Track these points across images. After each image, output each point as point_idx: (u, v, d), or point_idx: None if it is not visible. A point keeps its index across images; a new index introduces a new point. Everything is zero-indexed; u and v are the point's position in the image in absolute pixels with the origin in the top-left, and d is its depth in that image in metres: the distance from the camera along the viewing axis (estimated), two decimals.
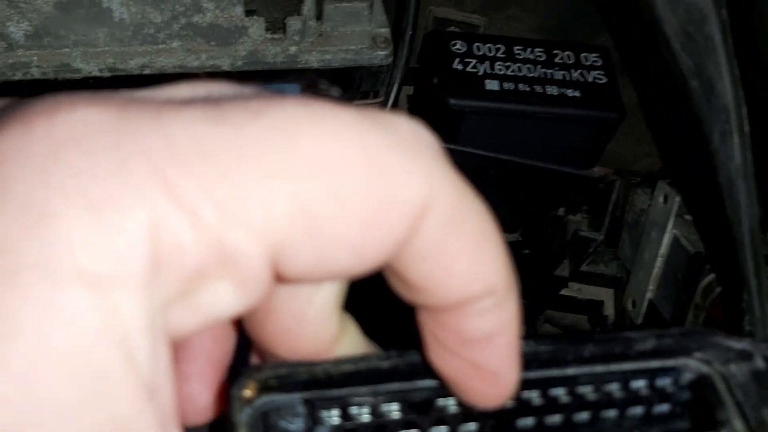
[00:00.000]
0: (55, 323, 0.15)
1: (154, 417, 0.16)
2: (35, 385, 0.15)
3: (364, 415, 0.22)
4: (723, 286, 0.61)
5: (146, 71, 0.53)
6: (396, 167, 0.18)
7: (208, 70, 0.54)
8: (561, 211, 0.61)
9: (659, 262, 0.71)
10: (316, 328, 0.22)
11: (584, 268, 0.71)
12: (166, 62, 0.53)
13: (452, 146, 0.55)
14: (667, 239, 0.70)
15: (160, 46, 0.53)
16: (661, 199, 0.72)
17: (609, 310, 0.77)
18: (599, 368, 0.23)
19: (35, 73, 0.52)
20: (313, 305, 0.21)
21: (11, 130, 0.17)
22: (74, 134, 0.17)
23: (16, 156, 0.16)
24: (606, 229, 0.57)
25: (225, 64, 0.54)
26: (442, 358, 0.21)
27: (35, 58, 0.51)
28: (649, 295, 0.72)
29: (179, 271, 0.17)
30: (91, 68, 0.52)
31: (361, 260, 0.18)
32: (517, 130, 0.57)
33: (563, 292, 0.72)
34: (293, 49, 0.55)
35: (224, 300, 0.18)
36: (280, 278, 0.19)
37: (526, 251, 0.64)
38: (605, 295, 0.78)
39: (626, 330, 0.76)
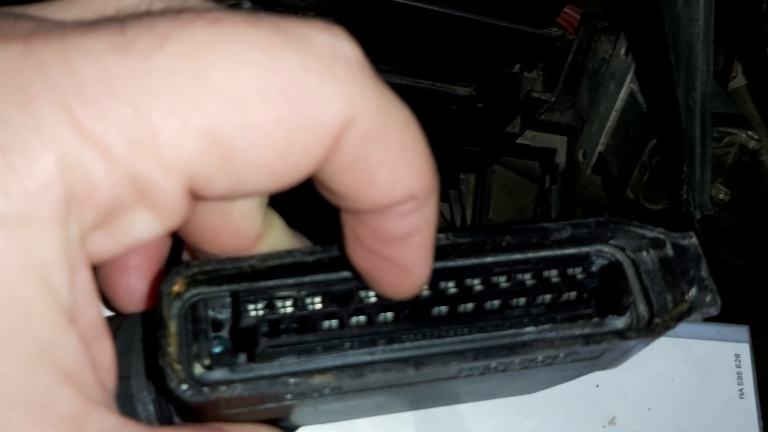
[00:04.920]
0: None
1: (75, 337, 0.18)
2: None
3: (288, 307, 0.23)
4: (666, 153, 0.62)
5: None
6: (312, 90, 0.18)
7: None
8: (516, 68, 0.60)
9: (613, 117, 0.70)
10: (240, 225, 0.22)
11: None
12: None
13: (409, 1, 0.52)
14: (623, 94, 0.69)
15: None
16: (622, 51, 0.70)
17: (561, 158, 0.78)
18: (516, 256, 0.24)
19: None
20: (236, 204, 0.22)
21: None
22: None
23: None
24: (558, 92, 0.56)
25: None
26: (359, 254, 0.22)
27: None
28: (600, 148, 0.72)
29: (94, 205, 0.17)
30: None
31: (279, 181, 0.19)
32: None
33: (518, 140, 0.73)
34: None
35: (143, 226, 0.19)
36: (198, 198, 0.19)
37: (480, 104, 0.63)
38: (559, 143, 0.79)
39: (575, 178, 0.77)
